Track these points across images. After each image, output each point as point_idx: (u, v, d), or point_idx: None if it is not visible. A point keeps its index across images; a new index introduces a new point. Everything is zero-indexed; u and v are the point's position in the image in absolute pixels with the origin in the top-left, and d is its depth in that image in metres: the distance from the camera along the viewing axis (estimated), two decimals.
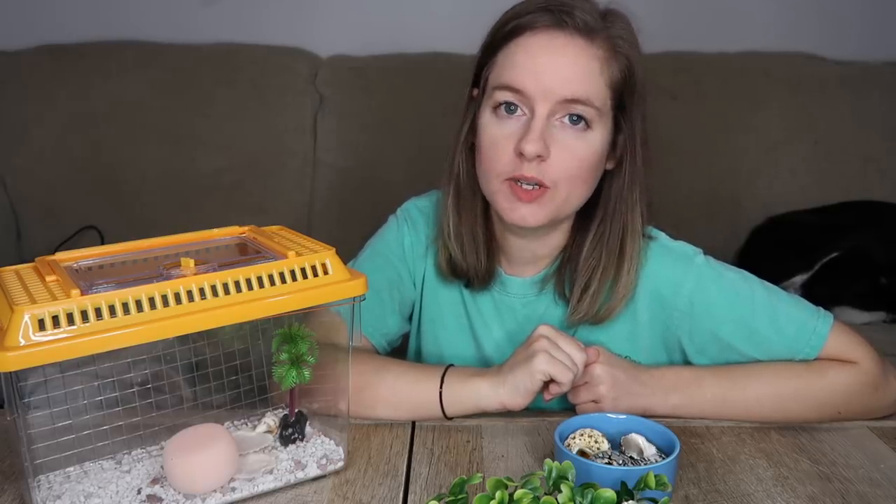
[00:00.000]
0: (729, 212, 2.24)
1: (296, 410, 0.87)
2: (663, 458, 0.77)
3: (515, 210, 0.94)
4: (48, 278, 0.73)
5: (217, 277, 0.73)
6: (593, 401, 0.93)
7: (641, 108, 0.98)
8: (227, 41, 2.39)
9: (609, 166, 0.99)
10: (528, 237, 1.02)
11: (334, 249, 0.80)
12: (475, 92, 1.01)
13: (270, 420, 0.89)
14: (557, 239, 1.03)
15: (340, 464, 0.84)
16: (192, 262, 0.76)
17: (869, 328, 1.83)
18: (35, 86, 2.30)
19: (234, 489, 0.79)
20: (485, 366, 1.06)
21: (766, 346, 0.97)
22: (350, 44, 2.40)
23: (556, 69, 0.91)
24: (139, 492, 0.78)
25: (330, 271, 0.78)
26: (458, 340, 1.11)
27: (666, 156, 2.22)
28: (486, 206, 1.03)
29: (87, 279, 0.74)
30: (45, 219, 2.26)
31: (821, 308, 0.99)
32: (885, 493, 0.81)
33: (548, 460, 0.67)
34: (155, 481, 0.79)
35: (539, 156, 0.91)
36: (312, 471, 0.83)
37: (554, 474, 0.66)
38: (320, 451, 0.85)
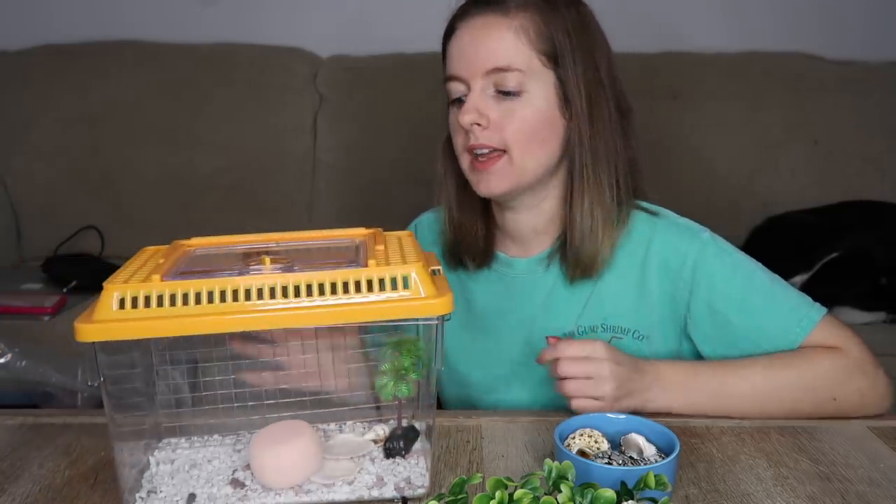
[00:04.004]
0: (729, 212, 2.24)
1: (406, 424, 0.85)
2: (663, 458, 0.77)
3: (481, 181, 1.00)
4: (160, 261, 0.78)
5: (278, 279, 0.72)
6: (594, 397, 0.92)
7: (586, 61, 0.99)
8: (227, 41, 2.39)
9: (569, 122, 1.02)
10: (518, 210, 1.05)
11: (422, 262, 0.75)
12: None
13: (381, 430, 0.88)
14: (550, 208, 1.05)
15: (421, 490, 0.79)
16: (268, 260, 0.76)
17: (869, 328, 1.83)
18: (35, 86, 2.31)
19: (308, 491, 0.78)
20: (489, 352, 1.08)
21: (758, 320, 0.98)
22: (350, 44, 2.40)
23: (477, 47, 0.99)
24: (233, 472, 0.81)
25: (412, 285, 0.73)
26: (457, 335, 1.10)
27: (666, 156, 2.22)
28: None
29: (188, 265, 0.79)
30: (45, 219, 2.27)
31: (818, 303, 1.01)
32: (884, 492, 0.80)
33: (548, 460, 0.67)
34: (248, 466, 0.81)
35: (477, 124, 0.98)
36: (388, 491, 0.78)
37: (554, 474, 0.66)
38: (406, 472, 0.81)
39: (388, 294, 0.73)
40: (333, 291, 0.72)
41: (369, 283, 0.73)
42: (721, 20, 2.45)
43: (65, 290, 1.91)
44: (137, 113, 2.29)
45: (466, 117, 0.98)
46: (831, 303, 1.88)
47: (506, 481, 0.63)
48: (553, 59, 0.99)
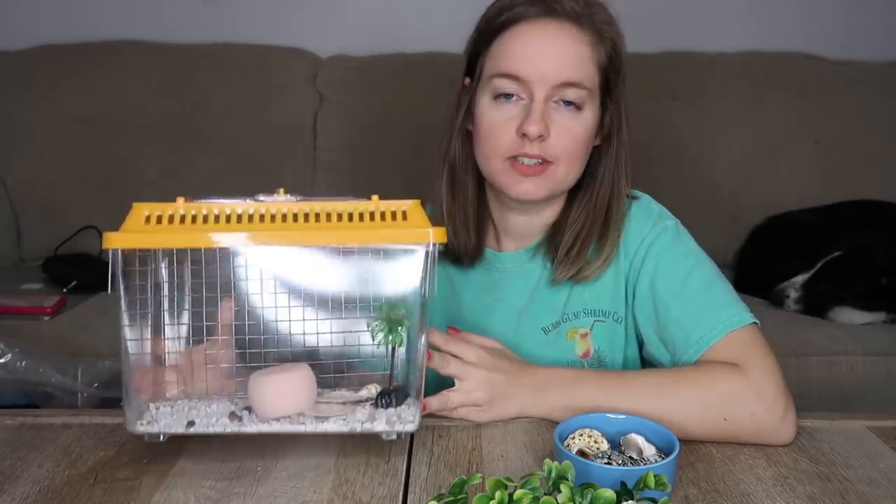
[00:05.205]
0: (729, 212, 2.24)
1: (396, 384, 0.87)
2: (663, 458, 0.77)
3: (519, 184, 1.00)
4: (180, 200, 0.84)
5: (290, 206, 0.79)
6: (472, 403, 0.93)
7: (624, 87, 1.04)
8: (227, 41, 2.39)
9: (597, 143, 1.05)
10: (527, 212, 1.07)
11: (420, 201, 0.82)
12: (467, 81, 1.06)
13: (373, 388, 0.89)
14: (553, 211, 1.08)
15: (411, 426, 0.83)
16: (282, 191, 0.82)
17: (869, 328, 1.83)
18: (35, 86, 2.30)
19: (302, 423, 0.82)
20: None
21: (692, 307, 0.98)
22: (350, 44, 2.40)
23: (551, 55, 0.97)
24: (231, 412, 0.84)
25: (410, 218, 0.80)
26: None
27: (666, 156, 2.22)
28: (479, 189, 1.09)
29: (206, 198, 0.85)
30: (45, 219, 2.27)
31: (753, 315, 0.98)
32: (884, 492, 0.81)
33: (547, 460, 0.67)
34: (245, 409, 0.84)
35: (541, 135, 0.97)
36: (380, 426, 0.83)
37: (553, 474, 0.66)
38: (397, 411, 0.85)
39: (388, 222, 0.80)
40: (339, 218, 0.79)
41: (371, 213, 0.80)
42: (722, 20, 2.45)
43: (65, 290, 1.91)
44: (138, 113, 2.29)
45: (535, 128, 0.96)
46: (832, 303, 1.90)
47: (506, 481, 0.63)
48: (606, 80, 1.01)
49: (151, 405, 0.86)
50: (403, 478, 0.83)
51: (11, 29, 2.40)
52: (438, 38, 2.24)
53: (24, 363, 1.41)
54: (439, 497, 0.66)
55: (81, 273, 1.97)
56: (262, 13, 2.45)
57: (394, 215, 0.80)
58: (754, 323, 0.97)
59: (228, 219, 0.79)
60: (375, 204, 0.80)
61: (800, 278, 1.93)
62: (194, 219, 0.78)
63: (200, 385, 0.88)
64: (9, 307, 1.82)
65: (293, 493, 0.80)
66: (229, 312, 0.87)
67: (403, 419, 0.84)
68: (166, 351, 0.87)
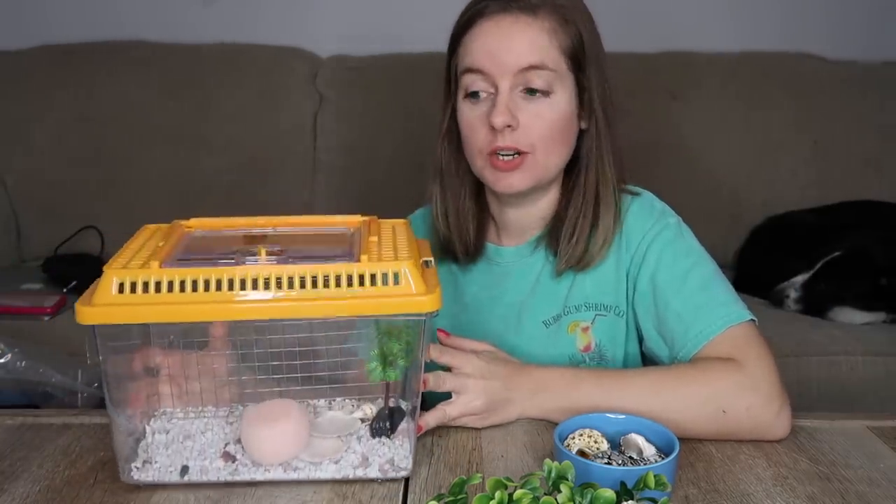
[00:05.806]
0: (729, 212, 2.24)
1: (392, 406, 0.87)
2: (663, 458, 0.77)
3: (502, 180, 1.02)
4: (160, 243, 0.82)
5: (272, 270, 0.75)
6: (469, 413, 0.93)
7: (599, 68, 1.04)
8: (228, 41, 2.39)
9: (584, 126, 1.06)
10: (521, 205, 1.08)
11: (413, 259, 0.77)
12: (451, 86, 1.08)
13: (368, 408, 0.89)
14: (549, 201, 1.09)
15: (404, 472, 0.82)
16: (264, 252, 0.79)
17: (869, 328, 1.83)
18: (35, 86, 2.30)
19: (296, 468, 0.81)
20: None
21: (691, 301, 0.98)
22: (350, 44, 2.40)
23: (508, 46, 0.99)
24: (225, 445, 0.83)
25: (402, 281, 0.75)
26: (447, 328, 1.11)
27: (665, 155, 2.22)
28: (476, 188, 1.10)
29: (187, 249, 0.82)
30: (45, 219, 2.27)
31: (751, 312, 0.99)
32: (884, 492, 0.81)
33: (547, 460, 0.67)
34: (240, 440, 0.83)
35: (509, 125, 0.99)
36: (373, 472, 0.81)
37: (553, 474, 0.66)
38: (390, 453, 0.83)
39: (379, 289, 0.75)
40: (326, 285, 0.75)
41: (360, 277, 0.75)
42: (721, 20, 2.45)
43: (65, 290, 1.91)
44: (137, 113, 2.29)
45: (500, 119, 0.98)
46: (831, 303, 1.90)
47: (505, 481, 0.63)
48: (576, 62, 1.02)
49: (147, 429, 0.85)
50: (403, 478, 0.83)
51: (11, 29, 2.40)
52: (438, 38, 2.21)
53: (24, 363, 1.40)
54: (439, 497, 0.66)
55: (81, 273, 1.97)
56: (262, 13, 2.45)
57: (385, 279, 0.75)
58: (752, 320, 0.97)
59: (207, 286, 0.74)
60: (364, 265, 0.75)
61: (800, 278, 1.93)
62: (170, 286, 0.73)
63: (195, 397, 0.88)
64: (9, 307, 1.82)
65: (293, 493, 0.80)
66: (222, 327, 0.87)
67: (397, 466, 0.82)
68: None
